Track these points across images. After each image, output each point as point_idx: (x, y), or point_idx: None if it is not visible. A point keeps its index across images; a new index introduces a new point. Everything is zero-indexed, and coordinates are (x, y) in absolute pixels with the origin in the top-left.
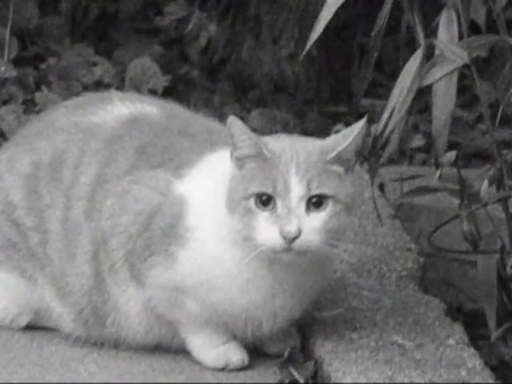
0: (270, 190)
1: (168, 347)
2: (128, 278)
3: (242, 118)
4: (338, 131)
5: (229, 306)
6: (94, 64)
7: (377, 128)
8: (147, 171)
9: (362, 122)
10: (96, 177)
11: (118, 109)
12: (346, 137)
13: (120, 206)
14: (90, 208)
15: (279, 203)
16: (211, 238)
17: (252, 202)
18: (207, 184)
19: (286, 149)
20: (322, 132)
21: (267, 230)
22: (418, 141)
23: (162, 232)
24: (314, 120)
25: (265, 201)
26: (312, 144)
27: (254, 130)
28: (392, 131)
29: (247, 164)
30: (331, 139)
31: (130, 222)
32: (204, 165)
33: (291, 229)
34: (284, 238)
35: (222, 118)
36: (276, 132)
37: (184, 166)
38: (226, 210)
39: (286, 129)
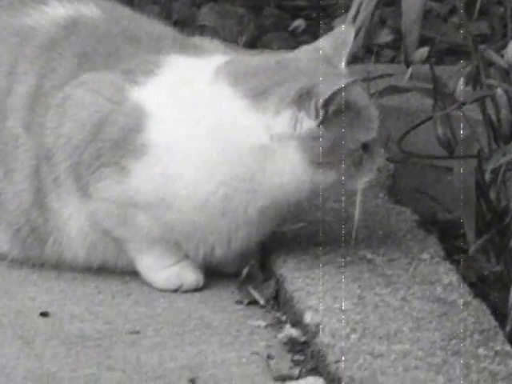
0: (371, 136)
1: (113, 268)
2: (73, 190)
3: (192, 14)
4: (297, 27)
5: (182, 226)
6: None
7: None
8: (92, 74)
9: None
10: (34, 88)
11: (55, 9)
12: None
13: (61, 113)
14: (30, 121)
15: (372, 145)
16: (175, 156)
17: (360, 152)
18: (174, 96)
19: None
20: (280, 28)
21: (370, 171)
22: (385, 36)
23: (113, 143)
24: (271, 15)
25: (366, 146)
26: None
27: (204, 26)
28: (360, 28)
29: (338, 114)
30: None
31: (75, 131)
32: (167, 74)
33: (384, 161)
34: (379, 171)
35: (169, 15)
36: (229, 29)
37: (137, 73)
38: (306, 165)
39: (241, 25)
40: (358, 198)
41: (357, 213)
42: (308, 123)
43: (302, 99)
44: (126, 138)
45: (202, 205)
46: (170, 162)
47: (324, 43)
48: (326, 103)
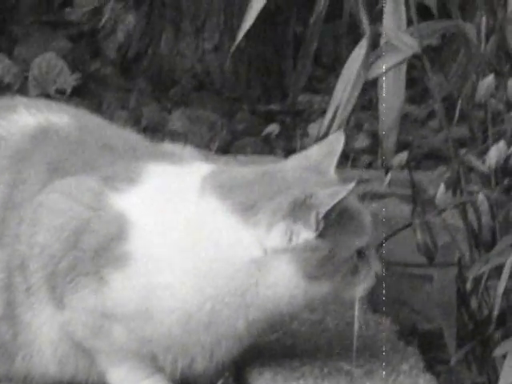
0: (365, 241)
1: (84, 381)
2: (47, 300)
3: (162, 120)
4: (271, 132)
5: (163, 339)
6: None
7: (319, 129)
8: (67, 180)
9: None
10: (4, 199)
11: (24, 118)
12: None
13: (35, 222)
14: (0, 233)
15: (366, 250)
16: (159, 268)
17: (355, 259)
18: (158, 206)
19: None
20: (253, 133)
21: (367, 278)
22: (362, 141)
23: (91, 253)
24: (245, 120)
25: (360, 252)
26: None
27: (175, 132)
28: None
29: (333, 222)
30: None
31: (50, 240)
32: (149, 182)
33: (380, 266)
34: (377, 276)
35: (138, 120)
36: (201, 134)
37: (117, 180)
38: (300, 278)
39: (213, 130)
40: (357, 307)
41: (356, 323)
42: (305, 235)
43: (296, 211)
44: (107, 247)
45: (187, 318)
46: (153, 274)
47: (313, 151)
48: (328, 214)
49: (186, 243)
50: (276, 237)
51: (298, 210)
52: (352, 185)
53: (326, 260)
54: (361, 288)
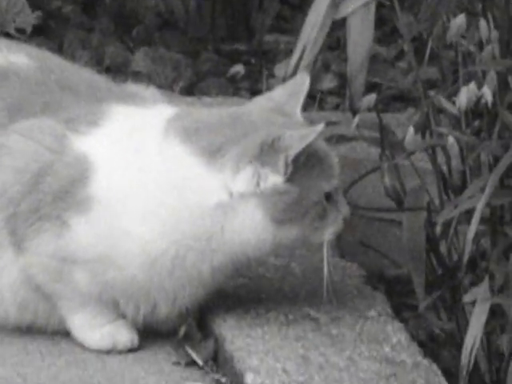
0: (334, 185)
1: (44, 327)
2: (6, 244)
3: (125, 60)
4: (236, 73)
5: (125, 284)
6: None
7: (285, 70)
8: (28, 121)
9: (321, 127)
10: None
11: None
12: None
13: None
14: None
15: (334, 194)
16: (122, 212)
17: (324, 202)
18: (121, 149)
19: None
20: (218, 74)
21: (336, 221)
22: (329, 82)
23: (53, 196)
24: (209, 60)
25: (329, 196)
26: None
27: (138, 72)
28: None
29: (301, 165)
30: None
31: (10, 182)
32: (112, 125)
33: (349, 210)
34: (345, 221)
35: (101, 60)
36: (165, 75)
37: (79, 122)
38: (268, 223)
39: (177, 71)
40: (325, 252)
41: (325, 267)
42: (273, 179)
43: (264, 154)
44: (69, 190)
45: (150, 263)
46: (116, 218)
47: (277, 92)
48: (297, 158)
49: (149, 187)
50: (243, 181)
51: (266, 153)
52: (321, 126)
53: (295, 204)
54: (329, 232)
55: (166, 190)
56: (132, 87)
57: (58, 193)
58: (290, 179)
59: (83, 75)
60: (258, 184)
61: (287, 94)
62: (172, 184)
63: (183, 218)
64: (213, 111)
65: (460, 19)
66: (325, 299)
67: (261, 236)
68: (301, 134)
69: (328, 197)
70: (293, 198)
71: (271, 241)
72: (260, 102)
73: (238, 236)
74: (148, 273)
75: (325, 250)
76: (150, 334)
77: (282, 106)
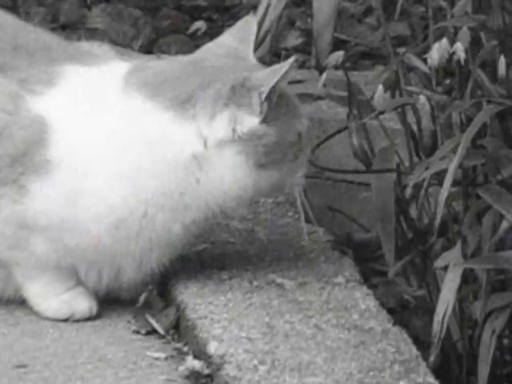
0: (304, 124)
1: None
2: None
3: (82, 17)
4: (197, 30)
5: (87, 249)
6: None
7: None
8: None
9: (292, 60)
10: None
11: None
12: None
13: None
14: None
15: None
16: (84, 173)
17: (298, 143)
18: (80, 108)
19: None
20: (178, 31)
21: (303, 164)
22: (294, 39)
23: (10, 159)
24: (169, 17)
25: (299, 136)
26: None
27: (95, 29)
28: (268, 30)
29: (274, 106)
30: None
31: None
32: (68, 84)
33: (310, 152)
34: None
35: (56, 17)
36: (123, 32)
37: (34, 82)
38: (250, 168)
39: (135, 27)
40: (298, 196)
41: (301, 213)
42: (249, 121)
43: (237, 96)
44: (26, 152)
45: (116, 225)
46: (78, 180)
47: (226, 38)
48: (269, 95)
49: (112, 145)
50: (219, 127)
51: (239, 94)
52: (291, 60)
53: (274, 146)
54: (300, 174)
55: (132, 148)
56: (85, 45)
57: (15, 156)
58: (265, 121)
59: (36, 34)
60: (234, 129)
61: (237, 38)
62: (140, 141)
63: (153, 174)
64: (169, 62)
65: None
66: (305, 241)
67: (241, 183)
68: (271, 71)
69: (299, 137)
70: (271, 140)
71: (251, 187)
72: (211, 48)
73: (215, 187)
74: (114, 236)
75: (297, 194)
76: (109, 302)
77: (234, 51)
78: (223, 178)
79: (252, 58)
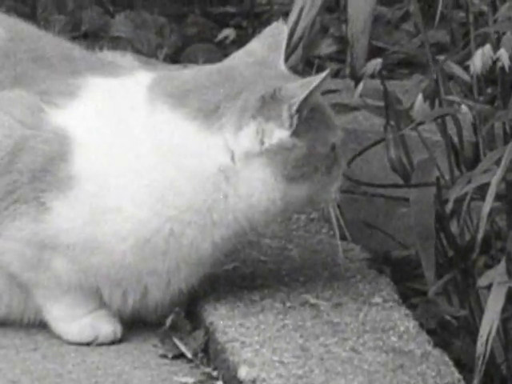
0: (338, 135)
1: (19, 319)
2: None
3: (104, 25)
4: (226, 38)
5: (112, 270)
6: None
7: None
8: (1, 94)
9: (326, 72)
10: None
11: None
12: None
13: None
14: None
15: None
16: (108, 190)
17: (331, 155)
18: (103, 121)
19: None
20: (206, 39)
21: (339, 176)
22: (327, 47)
23: (31, 175)
24: (196, 24)
25: (333, 148)
26: None
27: (119, 38)
28: (301, 37)
29: (305, 118)
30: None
31: None
32: (91, 96)
33: (345, 165)
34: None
35: (78, 25)
36: (148, 41)
37: (55, 94)
38: (278, 181)
39: (161, 36)
40: (332, 211)
41: (336, 230)
42: (279, 134)
43: (267, 108)
44: (48, 168)
45: (142, 244)
46: (102, 197)
47: (255, 46)
48: (301, 108)
49: (138, 160)
50: (246, 140)
51: (269, 106)
52: (325, 73)
53: (305, 159)
54: (334, 188)
55: (158, 162)
56: (108, 55)
57: (36, 172)
58: (295, 133)
59: (57, 45)
60: (262, 142)
61: (266, 46)
62: (165, 155)
63: (180, 190)
64: (194, 71)
65: None
66: (341, 260)
67: (270, 197)
68: (303, 82)
69: (333, 149)
70: (301, 152)
71: (281, 201)
72: (241, 57)
73: (244, 201)
74: (139, 255)
75: (331, 209)
76: (134, 324)
77: (264, 59)
78: (251, 192)
79: (282, 66)
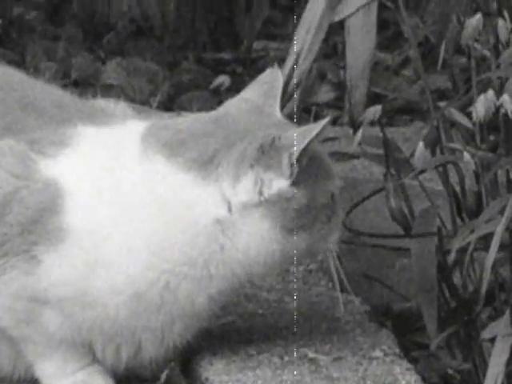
0: (337, 185)
1: (9, 376)
2: None
3: (95, 72)
4: (220, 85)
5: (105, 324)
6: None
7: None
8: None
9: (327, 120)
10: None
11: None
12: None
13: None
14: None
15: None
16: (101, 242)
17: (331, 205)
18: (95, 172)
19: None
20: (200, 86)
21: (338, 226)
22: (325, 93)
23: (21, 228)
24: (190, 71)
25: (332, 198)
26: None
27: (110, 86)
28: (298, 84)
29: (305, 167)
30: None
31: None
32: (82, 146)
33: (343, 214)
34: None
35: (68, 72)
36: (140, 88)
37: (47, 143)
38: (277, 233)
39: (153, 83)
40: (333, 263)
41: (336, 281)
42: (278, 184)
43: (266, 158)
44: (38, 220)
45: (136, 299)
46: (95, 249)
47: (250, 93)
48: (301, 157)
49: (131, 212)
50: (244, 190)
51: (267, 155)
52: (325, 121)
53: (304, 209)
54: (333, 237)
55: (153, 214)
56: (100, 103)
57: (26, 224)
58: (295, 182)
59: (48, 92)
60: (261, 192)
61: (262, 93)
62: (160, 206)
63: (175, 242)
64: (189, 120)
65: (476, 20)
66: (342, 311)
67: (269, 248)
68: (303, 130)
69: (332, 199)
70: (301, 202)
71: (280, 253)
72: (235, 104)
73: (242, 253)
74: (133, 309)
75: (331, 260)
76: (128, 380)
77: (259, 107)
78: (249, 244)
79: (279, 114)
